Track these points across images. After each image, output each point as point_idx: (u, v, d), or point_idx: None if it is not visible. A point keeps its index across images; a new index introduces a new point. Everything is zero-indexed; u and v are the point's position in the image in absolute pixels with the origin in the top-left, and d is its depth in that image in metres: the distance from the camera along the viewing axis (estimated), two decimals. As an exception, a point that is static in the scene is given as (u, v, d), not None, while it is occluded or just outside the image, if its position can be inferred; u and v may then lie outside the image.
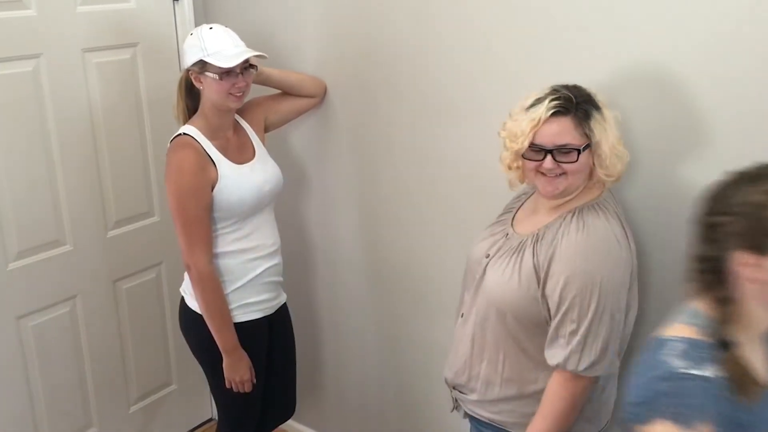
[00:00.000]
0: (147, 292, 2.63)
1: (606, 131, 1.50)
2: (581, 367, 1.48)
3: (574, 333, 1.48)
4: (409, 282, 2.31)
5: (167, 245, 2.63)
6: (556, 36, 1.78)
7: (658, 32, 1.64)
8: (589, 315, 1.46)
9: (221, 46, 1.93)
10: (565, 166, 1.49)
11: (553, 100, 1.47)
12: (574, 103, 1.48)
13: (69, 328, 2.40)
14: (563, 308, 1.48)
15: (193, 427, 2.92)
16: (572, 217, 1.52)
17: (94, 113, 2.32)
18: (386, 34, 2.10)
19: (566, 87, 1.51)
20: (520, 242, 1.58)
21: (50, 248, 2.29)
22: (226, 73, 1.93)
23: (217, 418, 2.29)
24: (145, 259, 2.59)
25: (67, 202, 2.30)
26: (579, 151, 1.48)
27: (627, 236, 1.53)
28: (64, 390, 2.43)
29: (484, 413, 1.68)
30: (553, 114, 1.47)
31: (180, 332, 2.72)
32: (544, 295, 1.51)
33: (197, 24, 2.48)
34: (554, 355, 1.51)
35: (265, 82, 2.16)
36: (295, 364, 2.39)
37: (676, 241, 1.72)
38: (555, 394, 1.53)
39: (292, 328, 2.34)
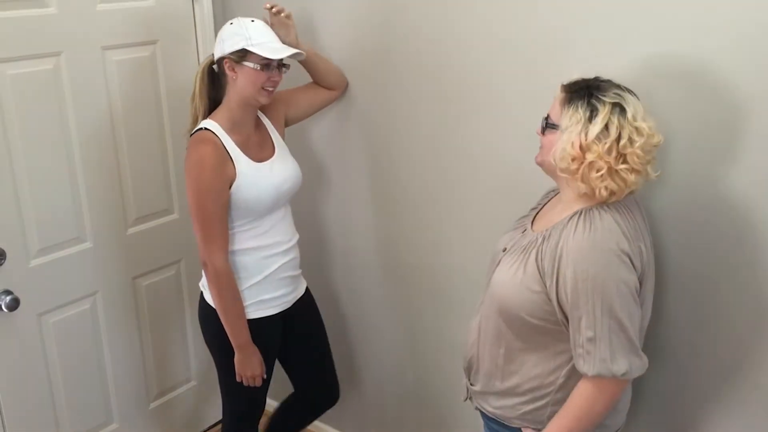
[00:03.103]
0: (167, 289, 2.64)
1: (574, 127, 1.44)
2: (620, 372, 1.44)
3: (591, 339, 1.44)
4: (426, 277, 2.30)
5: (187, 243, 2.63)
6: (585, 28, 1.74)
7: (692, 23, 1.59)
8: (606, 318, 1.42)
9: (266, 38, 1.94)
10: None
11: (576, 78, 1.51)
12: (577, 88, 1.47)
13: (89, 324, 2.42)
14: (575, 314, 1.45)
15: (213, 423, 2.94)
16: (579, 217, 1.48)
17: (114, 111, 2.33)
18: (408, 28, 2.09)
19: (600, 79, 1.50)
20: (530, 241, 1.55)
21: (71, 245, 2.31)
22: (266, 65, 1.94)
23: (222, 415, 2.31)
24: (164, 257, 2.60)
25: (87, 199, 2.31)
26: (544, 126, 1.52)
27: (641, 235, 1.49)
28: (84, 386, 2.45)
29: (487, 407, 1.68)
30: (562, 86, 1.51)
31: (199, 329, 2.74)
32: (558, 300, 1.47)
33: (216, 21, 2.50)
34: (584, 365, 1.46)
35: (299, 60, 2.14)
36: (329, 346, 2.38)
37: (702, 242, 1.70)
38: (590, 397, 1.49)
39: (318, 314, 2.34)
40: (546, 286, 1.48)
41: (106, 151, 2.33)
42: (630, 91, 1.47)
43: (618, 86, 1.46)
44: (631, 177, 1.44)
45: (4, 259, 2.12)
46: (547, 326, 1.52)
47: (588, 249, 1.43)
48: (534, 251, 1.52)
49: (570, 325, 1.48)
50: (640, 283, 1.48)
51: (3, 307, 2.14)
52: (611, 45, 1.71)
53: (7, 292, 2.15)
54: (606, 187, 1.45)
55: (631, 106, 1.43)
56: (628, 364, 1.44)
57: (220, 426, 2.91)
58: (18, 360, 2.23)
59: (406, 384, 2.52)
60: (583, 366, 1.47)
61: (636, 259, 1.45)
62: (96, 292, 2.42)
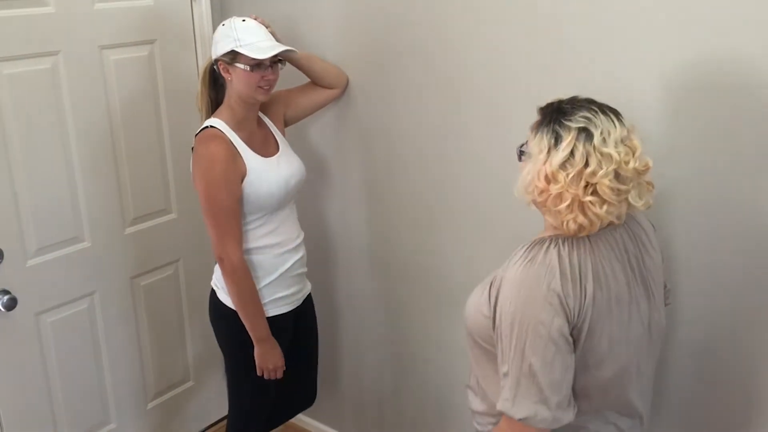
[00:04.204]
0: (164, 289, 2.64)
1: (538, 156, 1.35)
2: (518, 417, 1.35)
3: (506, 375, 1.36)
4: (427, 280, 2.30)
5: (185, 242, 2.63)
6: (606, 30, 1.72)
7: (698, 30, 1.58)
8: (517, 358, 1.33)
9: (254, 38, 1.94)
10: None
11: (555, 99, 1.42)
12: (549, 111, 1.37)
13: (87, 324, 2.41)
14: (499, 346, 1.38)
15: (211, 423, 2.93)
16: (527, 248, 1.40)
17: (112, 110, 2.32)
18: (408, 24, 2.08)
19: (576, 99, 1.39)
20: (503, 264, 1.49)
21: (69, 245, 2.30)
22: (257, 65, 1.94)
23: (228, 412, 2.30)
24: (162, 256, 2.60)
25: (85, 199, 2.31)
26: (519, 154, 1.44)
27: (593, 276, 1.35)
28: (82, 386, 2.44)
29: (474, 423, 1.63)
30: (538, 108, 1.42)
31: (198, 328, 2.72)
32: (495, 329, 1.40)
33: (214, 20, 2.49)
34: (500, 397, 1.39)
35: (291, 61, 2.14)
36: (317, 351, 2.41)
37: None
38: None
39: (315, 318, 2.36)
40: (491, 312, 1.41)
41: (104, 151, 2.33)
42: (606, 111, 1.34)
43: (590, 108, 1.34)
44: (602, 210, 1.32)
45: (2, 258, 2.12)
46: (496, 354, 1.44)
47: (518, 283, 1.35)
48: (495, 275, 1.46)
49: (498, 354, 1.41)
50: (581, 329, 1.36)
51: (1, 306, 2.13)
52: (629, 49, 1.68)
53: (5, 292, 2.15)
54: (574, 220, 1.34)
55: (600, 130, 1.30)
56: (531, 411, 1.33)
57: (218, 426, 2.91)
58: (15, 360, 2.23)
59: (405, 383, 2.51)
60: (499, 399, 1.40)
61: (571, 301, 1.33)
62: (94, 291, 2.41)
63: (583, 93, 1.40)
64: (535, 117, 1.42)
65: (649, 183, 1.39)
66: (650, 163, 1.35)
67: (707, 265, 1.71)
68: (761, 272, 1.64)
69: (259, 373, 2.11)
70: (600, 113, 1.33)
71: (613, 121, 1.33)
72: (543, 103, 1.42)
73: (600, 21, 1.72)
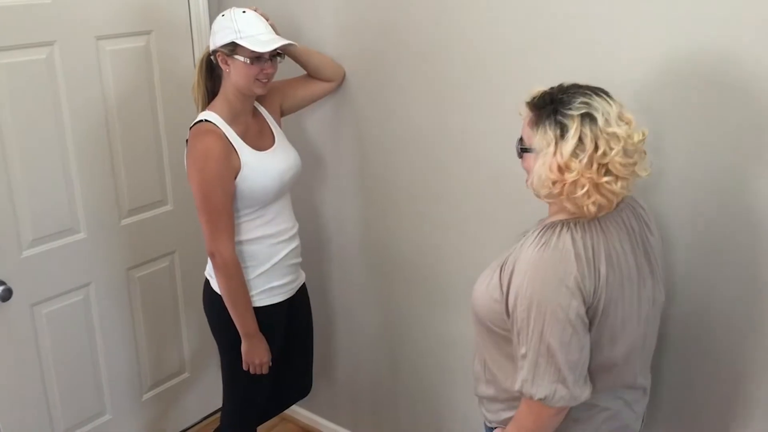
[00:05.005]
0: (160, 281, 2.64)
1: (547, 149, 1.36)
2: (537, 396, 1.40)
3: (524, 357, 1.41)
4: (422, 272, 2.30)
5: (180, 234, 2.63)
6: (595, 21, 1.72)
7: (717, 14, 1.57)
8: (535, 339, 1.38)
9: (255, 31, 1.93)
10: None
11: (541, 92, 1.42)
12: (543, 105, 1.39)
13: (82, 315, 2.41)
14: (515, 328, 1.42)
15: (206, 415, 2.93)
16: (539, 233, 1.43)
17: (107, 101, 2.32)
18: (406, 19, 2.07)
19: (563, 87, 1.41)
20: (511, 249, 1.51)
21: (64, 236, 2.30)
22: (256, 58, 1.93)
23: (222, 403, 2.31)
24: (158, 248, 2.59)
25: (80, 190, 2.30)
26: (519, 150, 1.46)
27: (605, 257, 1.40)
28: (77, 378, 2.44)
29: (483, 410, 1.65)
30: (527, 104, 1.44)
31: (193, 320, 2.71)
32: (508, 312, 1.43)
33: (211, 11, 2.49)
34: (516, 378, 1.44)
35: (289, 54, 2.14)
36: (312, 342, 2.42)
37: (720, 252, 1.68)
38: (521, 412, 1.47)
39: (310, 308, 2.36)
40: (503, 296, 1.44)
41: (99, 142, 2.32)
42: (598, 92, 1.38)
43: (584, 93, 1.37)
44: (617, 187, 1.36)
45: (-3, 249, 2.12)
46: (511, 337, 1.47)
47: (533, 267, 1.39)
48: (504, 260, 1.48)
49: (513, 337, 1.45)
50: (596, 309, 1.40)
51: (-4, 297, 2.13)
52: (626, 46, 1.68)
53: (0, 283, 2.14)
54: (594, 203, 1.37)
55: (600, 112, 1.34)
56: (549, 390, 1.39)
57: (214, 417, 2.91)
58: (10, 350, 2.23)
59: (400, 376, 2.52)
60: (515, 381, 1.45)
61: (587, 282, 1.37)
62: (89, 283, 2.41)
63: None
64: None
65: (644, 151, 1.42)
66: (646, 132, 1.39)
67: (704, 258, 1.72)
68: (757, 265, 1.65)
69: (245, 368, 2.12)
70: (594, 95, 1.37)
71: (607, 101, 1.37)
72: (529, 98, 1.43)
73: (596, 17, 1.72)
